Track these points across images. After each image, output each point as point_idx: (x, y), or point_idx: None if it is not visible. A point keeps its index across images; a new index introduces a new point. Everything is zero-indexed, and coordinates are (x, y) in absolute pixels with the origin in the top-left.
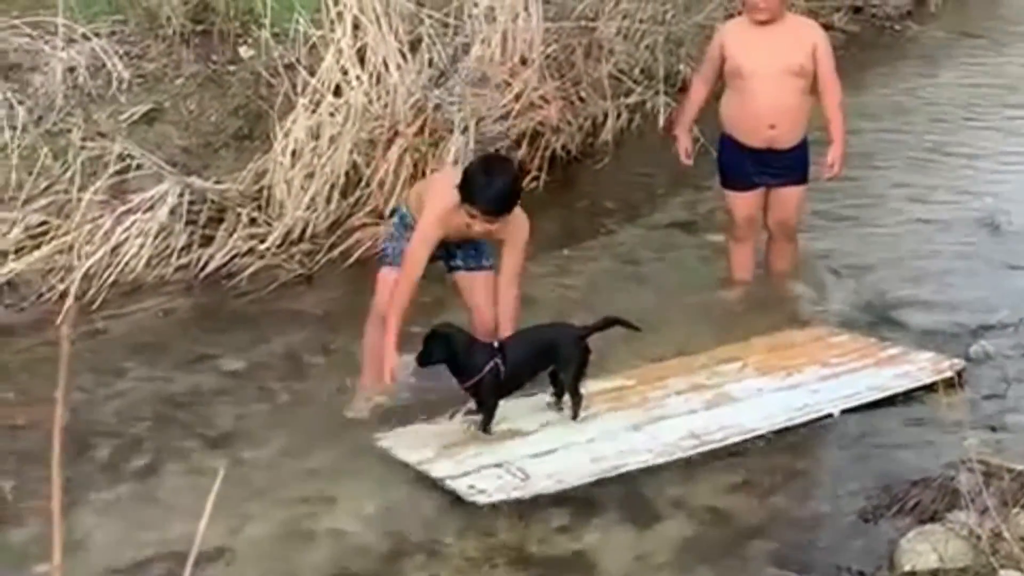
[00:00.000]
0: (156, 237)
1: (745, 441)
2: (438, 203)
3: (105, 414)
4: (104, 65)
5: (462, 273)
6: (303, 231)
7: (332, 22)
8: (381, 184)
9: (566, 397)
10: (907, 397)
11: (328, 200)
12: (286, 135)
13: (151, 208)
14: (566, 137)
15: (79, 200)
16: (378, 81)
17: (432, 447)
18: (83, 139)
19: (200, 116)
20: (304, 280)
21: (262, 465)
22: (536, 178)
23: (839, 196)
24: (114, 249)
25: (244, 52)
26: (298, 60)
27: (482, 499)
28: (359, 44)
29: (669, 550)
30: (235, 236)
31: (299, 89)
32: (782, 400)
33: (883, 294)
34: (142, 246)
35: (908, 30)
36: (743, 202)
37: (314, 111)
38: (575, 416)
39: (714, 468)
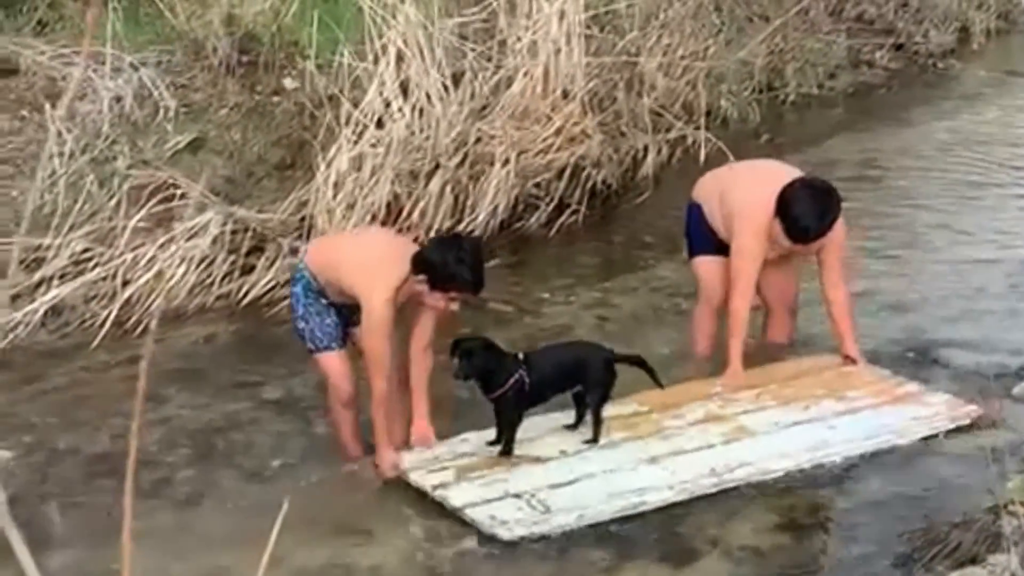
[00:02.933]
0: (198, 265)
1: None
2: (383, 286)
3: (146, 441)
4: (150, 94)
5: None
6: None
7: (376, 54)
8: (422, 215)
9: (585, 419)
10: (947, 433)
11: None
12: (328, 165)
13: (194, 236)
14: (607, 171)
15: (123, 227)
16: (420, 113)
17: (451, 470)
18: (128, 167)
19: (244, 146)
20: None
21: (300, 495)
22: (576, 211)
23: (881, 234)
24: (157, 276)
25: (288, 83)
26: (341, 91)
27: (504, 533)
28: (402, 76)
29: None
30: (276, 265)
31: (342, 120)
32: (799, 437)
33: (924, 333)
34: (185, 274)
35: (951, 68)
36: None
37: (356, 142)
38: (596, 439)
39: (753, 505)
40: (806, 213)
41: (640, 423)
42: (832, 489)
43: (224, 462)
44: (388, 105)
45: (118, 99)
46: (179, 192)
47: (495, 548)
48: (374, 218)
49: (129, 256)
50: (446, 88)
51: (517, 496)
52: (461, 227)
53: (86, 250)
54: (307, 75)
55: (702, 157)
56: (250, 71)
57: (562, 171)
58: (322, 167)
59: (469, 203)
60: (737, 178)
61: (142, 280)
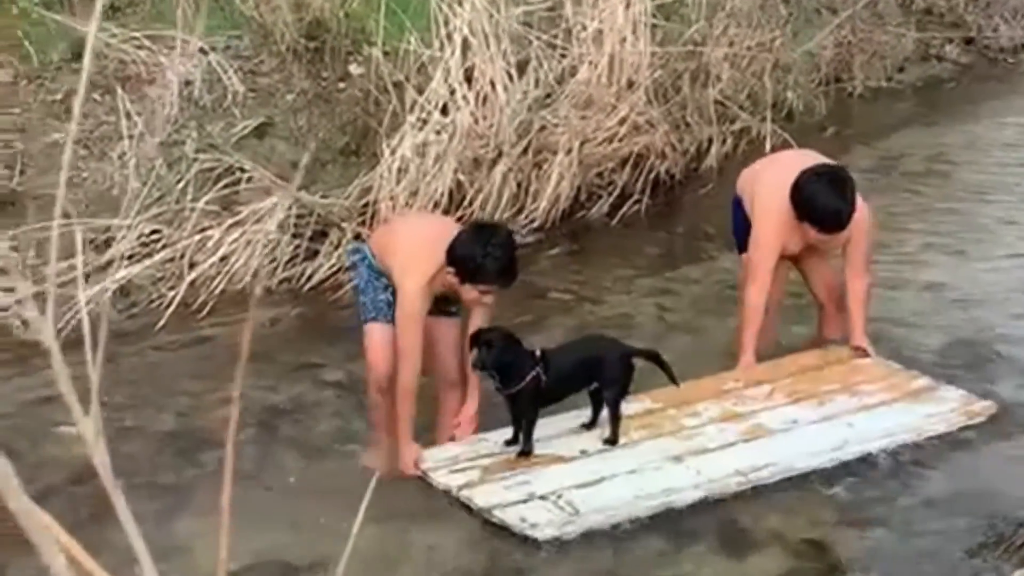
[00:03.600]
0: (263, 249)
1: (840, 467)
2: (418, 273)
3: (210, 420)
4: (219, 79)
5: (429, 318)
6: None
7: (442, 41)
8: (484, 204)
9: (601, 417)
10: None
11: None
12: (392, 152)
13: (259, 221)
14: (670, 161)
15: (191, 210)
16: (484, 101)
17: (474, 471)
18: (196, 151)
19: (309, 131)
20: None
21: (358, 478)
22: (638, 201)
23: (947, 228)
24: (223, 259)
25: (354, 69)
26: (407, 78)
27: (536, 534)
28: (467, 63)
29: None
30: (339, 250)
31: (407, 107)
32: (819, 435)
33: (989, 328)
34: (250, 257)
35: (1021, 63)
36: None
37: (421, 129)
38: (615, 439)
39: (811, 499)
40: (831, 200)
41: (658, 422)
42: (894, 482)
43: (287, 443)
44: (453, 92)
45: (187, 83)
46: (245, 176)
47: None
48: (436, 206)
49: (196, 239)
50: (511, 76)
51: (543, 498)
52: (522, 216)
53: (154, 232)
54: (373, 61)
55: (767, 149)
56: (316, 57)
57: (625, 161)
58: (386, 153)
59: (531, 191)
60: (761, 169)
61: (208, 263)
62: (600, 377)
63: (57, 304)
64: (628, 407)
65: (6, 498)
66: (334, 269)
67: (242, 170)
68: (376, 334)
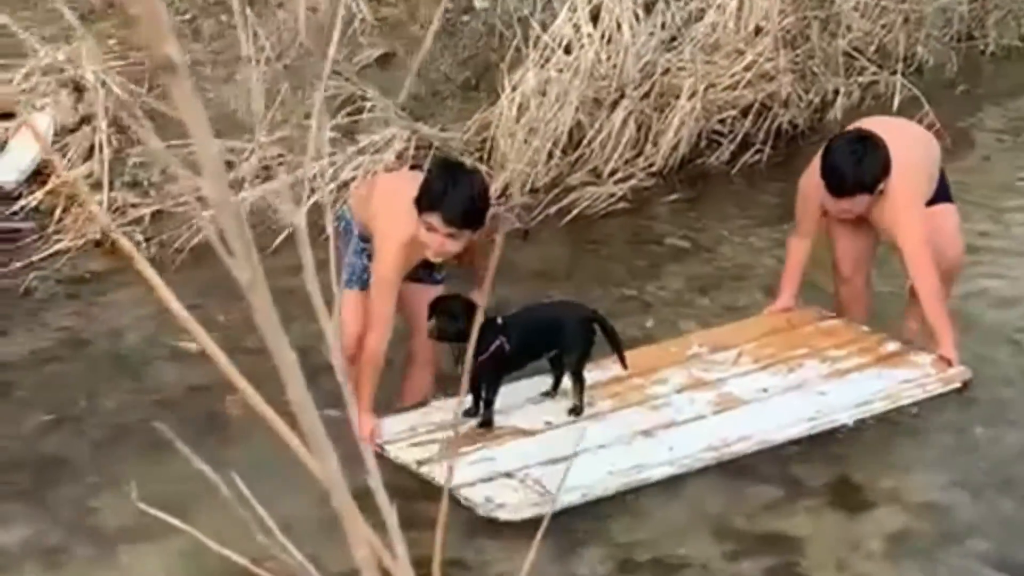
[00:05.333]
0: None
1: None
2: (395, 235)
3: (321, 347)
4: (346, 6)
5: (409, 284)
6: (522, 185)
7: None
8: (603, 145)
9: (563, 386)
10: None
11: (549, 156)
12: (514, 89)
13: (378, 151)
14: (794, 112)
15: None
16: (609, 41)
17: (432, 445)
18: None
19: (431, 64)
20: (521, 234)
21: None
22: (760, 151)
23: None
24: (341, 187)
25: (479, 3)
26: (531, 14)
27: (504, 515)
28: (594, 2)
29: (879, 539)
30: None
31: (530, 44)
32: (791, 406)
33: None
34: (370, 185)
35: None
36: None
37: (543, 66)
38: (580, 408)
39: (930, 462)
40: (840, 160)
41: (624, 391)
42: (1015, 451)
43: (392, 372)
44: (578, 30)
45: (314, 10)
46: (368, 105)
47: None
48: (555, 145)
49: (317, 165)
50: (637, 17)
51: (509, 476)
52: (641, 159)
53: (276, 156)
54: None
55: (895, 104)
56: None
57: (748, 109)
58: (507, 90)
59: (651, 135)
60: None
61: (328, 188)
62: (560, 343)
63: (176, 224)
64: (592, 374)
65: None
66: None
67: (364, 99)
68: (348, 302)
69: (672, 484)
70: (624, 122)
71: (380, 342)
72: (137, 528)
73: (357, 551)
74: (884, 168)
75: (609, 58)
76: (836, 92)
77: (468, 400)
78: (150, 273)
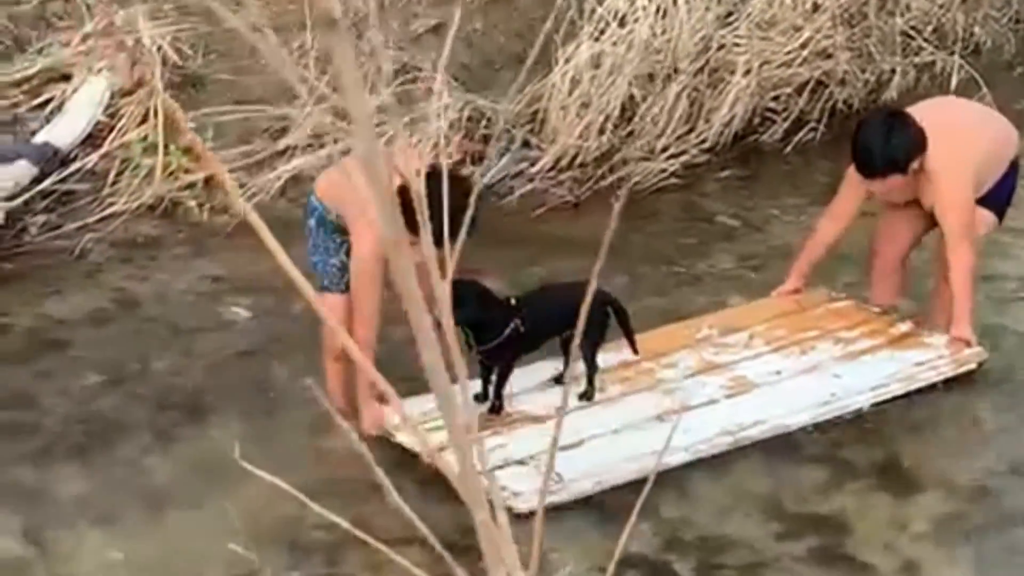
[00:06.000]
0: (432, 149)
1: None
2: (372, 229)
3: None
4: None
5: None
6: (573, 158)
7: None
8: (655, 120)
9: (573, 370)
10: None
11: (601, 131)
12: (567, 61)
13: (430, 121)
14: (850, 90)
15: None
16: (664, 15)
17: (442, 431)
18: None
19: (484, 35)
20: (571, 207)
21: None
22: (814, 129)
23: None
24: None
25: None
26: None
27: (519, 504)
28: None
29: (928, 522)
30: (507, 157)
31: (585, 16)
32: (806, 389)
33: None
34: (419, 156)
35: None
36: None
37: (597, 39)
38: (591, 394)
39: (978, 445)
40: (868, 137)
41: (635, 375)
42: None
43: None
44: (633, 3)
45: None
46: (421, 74)
47: (711, 459)
48: (607, 119)
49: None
50: None
51: (521, 463)
52: (693, 136)
53: (327, 124)
54: None
55: (952, 84)
56: None
57: (803, 86)
58: (560, 62)
59: (704, 111)
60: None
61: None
62: (574, 325)
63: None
64: (601, 358)
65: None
66: (500, 175)
67: (417, 68)
68: (333, 308)
69: (719, 463)
70: (677, 97)
71: (371, 335)
72: (186, 489)
73: (476, 515)
74: (915, 146)
75: (664, 32)
76: (892, 72)
77: (475, 385)
78: (267, 236)
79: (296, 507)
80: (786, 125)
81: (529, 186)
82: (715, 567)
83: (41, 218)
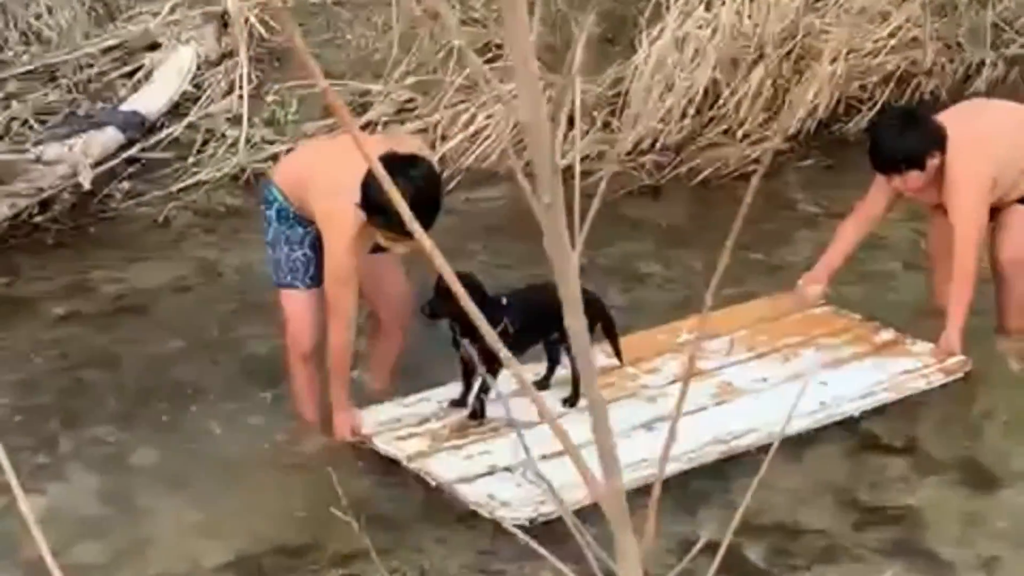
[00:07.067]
0: (513, 129)
1: None
2: (343, 223)
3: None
4: None
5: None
6: (653, 142)
7: None
8: (737, 106)
9: (558, 374)
10: None
11: (683, 115)
12: (651, 44)
13: (512, 100)
14: (937, 81)
15: (449, 83)
16: None
17: (422, 437)
18: (460, 23)
19: (567, 15)
20: (650, 191)
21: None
22: None
23: None
24: (473, 135)
25: None
26: None
27: (508, 514)
28: None
29: (1008, 519)
30: (587, 138)
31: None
32: (794, 396)
33: None
34: (499, 136)
35: None
36: None
37: (682, 23)
38: (575, 400)
39: None
40: (882, 134)
41: (618, 381)
42: None
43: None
44: None
45: None
46: (502, 54)
47: (784, 448)
48: (689, 103)
49: (449, 113)
50: None
51: (508, 470)
52: (775, 124)
53: (410, 100)
54: None
55: None
56: None
57: (890, 76)
58: (644, 45)
59: (788, 98)
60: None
61: (459, 137)
62: (561, 327)
63: None
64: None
65: None
66: (580, 156)
67: (499, 47)
68: (295, 304)
69: (795, 450)
70: (761, 83)
71: (348, 339)
72: (261, 458)
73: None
74: (931, 142)
75: (750, 16)
76: (981, 64)
77: (445, 390)
78: (402, 206)
79: (371, 476)
80: (871, 114)
81: (609, 168)
82: (786, 554)
83: (126, 185)
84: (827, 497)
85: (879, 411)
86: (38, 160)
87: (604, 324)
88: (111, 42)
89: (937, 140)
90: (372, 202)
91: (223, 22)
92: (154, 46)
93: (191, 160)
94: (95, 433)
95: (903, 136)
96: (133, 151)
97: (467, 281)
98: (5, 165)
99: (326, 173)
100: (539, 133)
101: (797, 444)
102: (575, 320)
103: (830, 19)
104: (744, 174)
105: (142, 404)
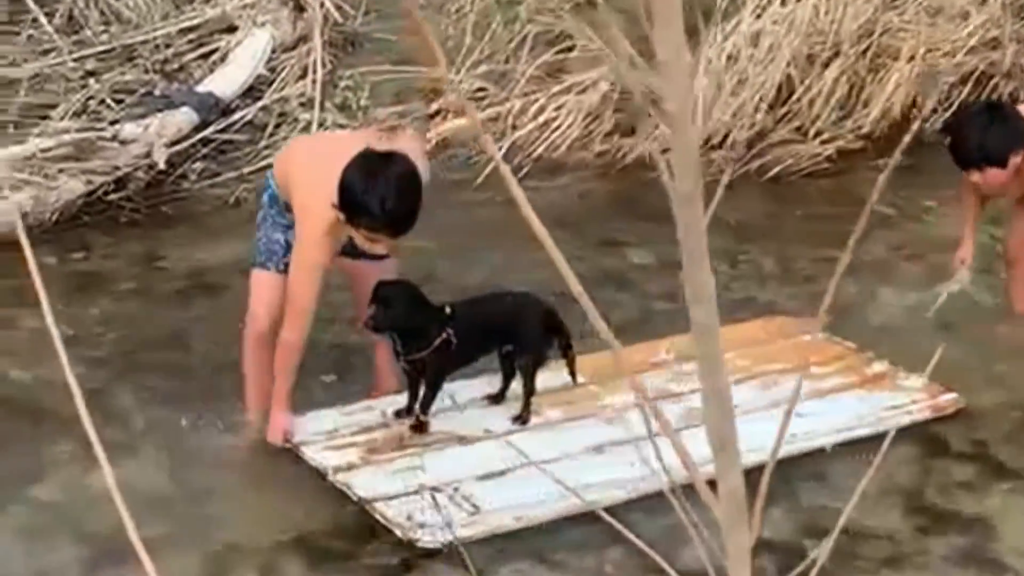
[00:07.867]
0: (584, 120)
1: None
2: (317, 213)
3: (512, 282)
4: None
5: (351, 261)
6: (724, 137)
7: None
8: (811, 103)
9: (513, 387)
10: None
11: (755, 110)
12: (726, 38)
13: (583, 91)
14: (1017, 83)
15: (522, 73)
16: None
17: (355, 450)
18: (534, 12)
19: (639, 7)
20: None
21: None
22: None
23: None
24: (543, 125)
25: None
26: None
27: (425, 536)
28: None
29: None
30: (657, 130)
31: None
32: (765, 426)
33: None
34: (570, 126)
35: None
36: None
37: (758, 17)
38: (526, 418)
39: None
40: (966, 129)
41: (577, 399)
42: None
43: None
44: None
45: None
46: (576, 44)
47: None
48: (761, 100)
49: (520, 102)
50: None
51: (437, 490)
52: (850, 121)
53: (481, 89)
54: None
55: None
56: None
57: (968, 76)
58: (719, 39)
59: (863, 97)
60: None
61: (528, 127)
62: (515, 338)
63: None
64: (542, 379)
65: None
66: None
67: (572, 37)
68: (261, 285)
69: (864, 452)
70: (836, 80)
71: (300, 336)
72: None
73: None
74: (1014, 140)
75: (827, 13)
76: None
77: (394, 400)
78: (514, 185)
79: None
80: (947, 115)
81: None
82: (852, 556)
83: (200, 165)
84: (896, 501)
85: (947, 417)
86: (114, 138)
87: (561, 340)
88: (188, 24)
89: (1021, 138)
90: (349, 202)
91: (298, 6)
92: (231, 29)
93: (264, 143)
94: (163, 411)
95: (987, 132)
96: (207, 132)
97: (407, 288)
98: (82, 143)
99: (308, 168)
100: (684, 124)
101: (866, 445)
102: (703, 310)
103: (908, 17)
104: (815, 172)
105: (210, 383)
